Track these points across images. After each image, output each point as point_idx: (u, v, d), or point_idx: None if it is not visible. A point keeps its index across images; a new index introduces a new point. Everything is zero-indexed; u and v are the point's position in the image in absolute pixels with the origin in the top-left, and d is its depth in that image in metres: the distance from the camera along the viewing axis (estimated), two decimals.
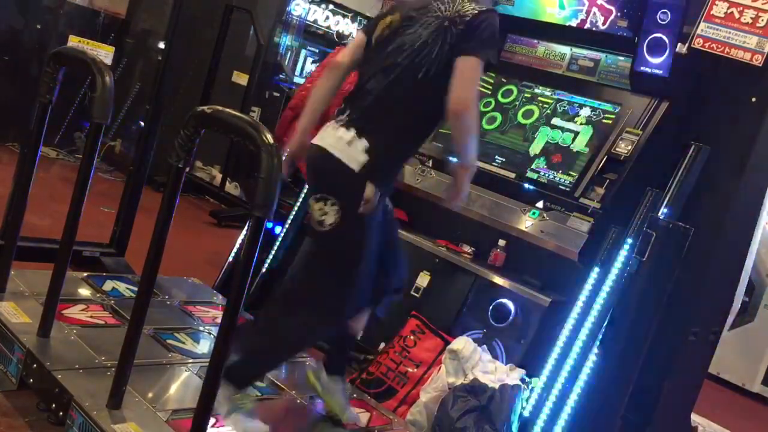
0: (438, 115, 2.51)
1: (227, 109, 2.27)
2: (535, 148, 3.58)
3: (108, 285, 3.43)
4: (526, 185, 3.46)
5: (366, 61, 2.66)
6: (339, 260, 2.53)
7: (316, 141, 2.55)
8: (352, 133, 2.46)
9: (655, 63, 3.23)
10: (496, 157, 3.64)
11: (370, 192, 2.44)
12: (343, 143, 2.46)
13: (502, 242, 3.46)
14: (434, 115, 2.52)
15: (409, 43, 2.51)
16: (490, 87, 3.90)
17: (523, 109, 3.75)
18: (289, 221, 3.96)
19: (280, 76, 7.78)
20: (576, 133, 3.53)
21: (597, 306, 2.94)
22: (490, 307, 3.31)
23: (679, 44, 3.19)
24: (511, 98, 3.82)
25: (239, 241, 4.04)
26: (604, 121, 3.49)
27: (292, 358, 2.96)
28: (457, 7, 2.48)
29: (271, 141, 2.10)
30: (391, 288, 2.80)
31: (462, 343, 3.07)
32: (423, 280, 3.52)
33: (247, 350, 2.49)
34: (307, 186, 2.76)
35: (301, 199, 3.96)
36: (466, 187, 2.61)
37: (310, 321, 2.55)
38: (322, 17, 8.39)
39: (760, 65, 3.00)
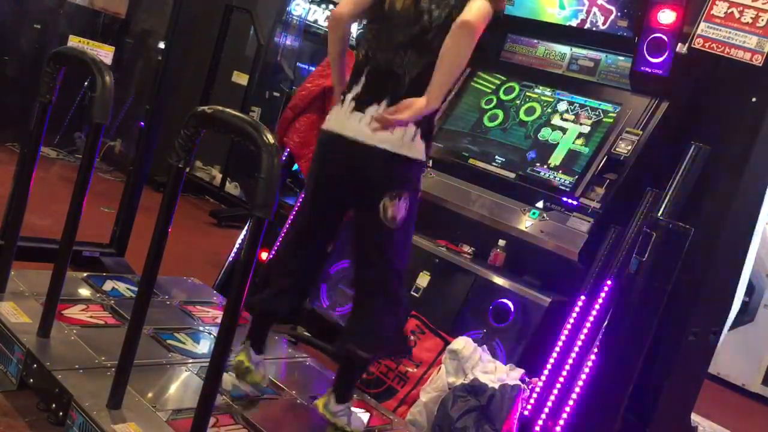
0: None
1: (227, 109, 2.27)
2: (535, 147, 3.58)
3: (108, 285, 3.43)
4: (526, 185, 3.46)
5: (377, 34, 2.60)
6: (407, 240, 2.66)
7: (366, 140, 2.47)
8: (412, 127, 2.46)
9: (655, 63, 3.23)
10: (496, 157, 3.64)
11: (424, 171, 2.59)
12: (408, 140, 2.47)
13: (502, 242, 3.46)
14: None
15: (426, 22, 2.50)
16: (492, 86, 3.90)
17: (524, 107, 3.75)
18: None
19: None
20: (576, 133, 3.53)
21: (597, 306, 2.95)
22: (490, 307, 3.31)
23: (679, 44, 3.19)
24: (513, 96, 3.82)
25: (239, 241, 4.04)
26: (604, 121, 3.49)
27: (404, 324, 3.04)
28: None
29: (272, 141, 2.10)
30: None
31: (462, 343, 3.07)
32: (423, 280, 3.52)
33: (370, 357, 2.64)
34: (325, 179, 2.67)
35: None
36: (407, 115, 2.42)
37: (402, 292, 2.68)
38: (322, 17, 8.38)
39: (760, 65, 2.99)
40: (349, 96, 2.58)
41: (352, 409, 2.76)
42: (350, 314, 2.78)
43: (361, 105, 2.53)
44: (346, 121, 2.53)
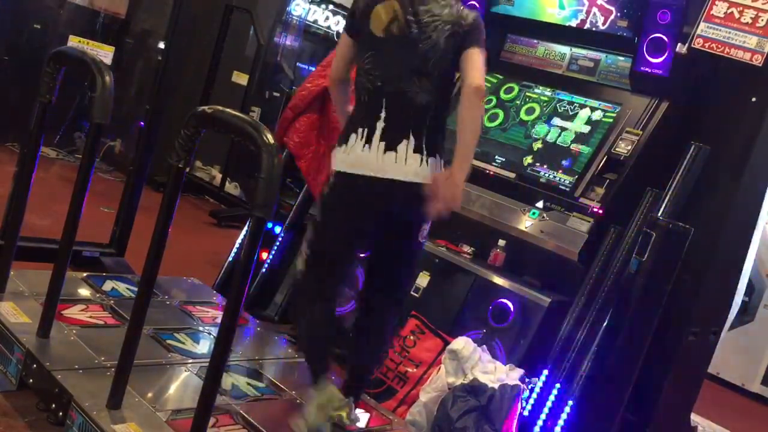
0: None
1: (227, 109, 2.27)
2: (536, 147, 3.58)
3: (108, 285, 3.43)
4: (526, 185, 3.46)
5: (379, 62, 2.60)
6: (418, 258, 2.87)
7: (408, 178, 2.55)
8: (438, 158, 2.61)
9: (655, 63, 3.23)
10: (496, 157, 3.64)
11: None
12: (424, 168, 2.57)
13: (502, 242, 3.46)
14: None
15: (430, 49, 2.57)
16: (492, 86, 3.90)
17: (524, 107, 3.75)
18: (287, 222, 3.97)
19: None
20: (576, 133, 3.53)
21: (597, 306, 2.94)
22: (490, 307, 3.31)
23: (679, 44, 3.19)
24: (513, 96, 3.82)
25: (239, 241, 4.04)
26: (604, 121, 3.49)
27: None
28: (456, 12, 2.59)
29: (272, 141, 2.10)
30: None
31: (462, 343, 3.06)
32: (423, 280, 3.52)
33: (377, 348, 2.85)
34: (396, 213, 2.70)
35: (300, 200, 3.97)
36: (454, 197, 2.55)
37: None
38: (322, 17, 8.38)
39: (760, 65, 3.00)
40: (376, 134, 2.56)
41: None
42: (362, 322, 2.82)
43: (392, 144, 2.55)
44: (381, 162, 2.55)
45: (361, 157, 2.56)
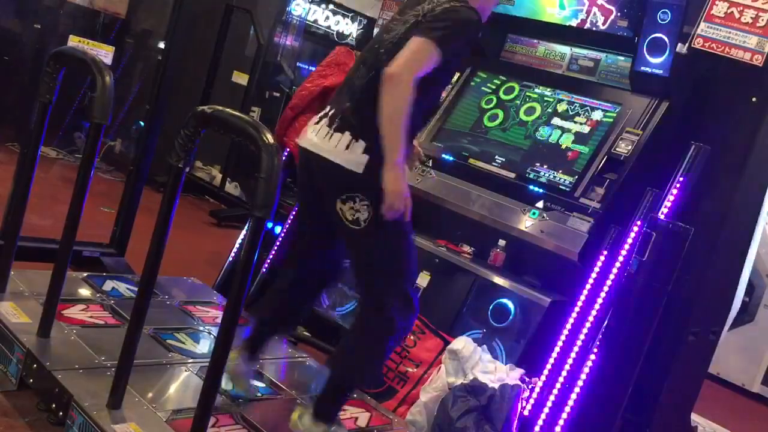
0: (421, 108, 2.50)
1: (227, 109, 2.27)
2: (536, 147, 3.58)
3: (108, 285, 3.43)
4: (526, 185, 3.46)
5: (357, 59, 2.70)
6: (389, 249, 2.54)
7: (308, 146, 2.54)
8: (347, 136, 2.45)
9: (655, 63, 3.23)
10: (496, 157, 3.64)
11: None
12: (341, 149, 2.45)
13: (502, 242, 3.46)
14: (418, 107, 2.45)
15: (388, 39, 2.53)
16: (492, 86, 3.90)
17: (524, 107, 3.75)
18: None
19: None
20: (576, 133, 3.53)
21: (597, 306, 2.94)
22: (490, 307, 3.31)
23: (679, 44, 3.19)
24: (513, 96, 3.82)
25: (239, 241, 4.04)
26: (604, 121, 3.49)
27: (388, 356, 2.86)
28: (435, 4, 2.48)
29: (272, 141, 2.10)
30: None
31: (462, 343, 3.07)
32: (423, 280, 3.52)
33: (350, 361, 2.61)
34: (301, 187, 2.70)
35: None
36: (396, 187, 2.38)
37: (397, 313, 2.56)
38: (322, 17, 8.39)
39: (760, 65, 3.00)
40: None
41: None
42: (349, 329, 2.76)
43: (320, 118, 2.59)
44: (306, 132, 2.62)
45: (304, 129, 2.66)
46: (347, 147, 2.44)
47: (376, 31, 2.64)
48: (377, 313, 2.54)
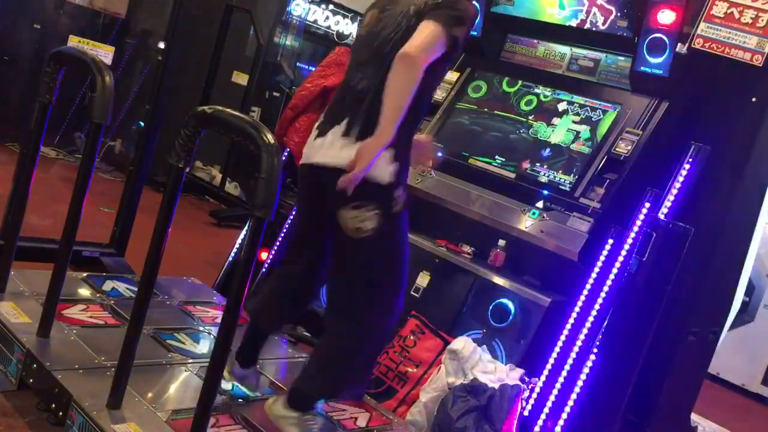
0: (421, 103, 2.46)
1: (227, 109, 2.27)
2: (536, 147, 3.58)
3: (108, 285, 3.43)
4: (526, 185, 3.46)
5: (351, 63, 2.63)
6: (387, 259, 2.51)
7: (329, 161, 2.42)
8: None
9: (655, 63, 3.23)
10: (496, 156, 3.64)
11: (399, 192, 2.45)
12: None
13: (502, 242, 3.46)
14: (417, 104, 2.42)
15: (388, 35, 2.46)
16: (492, 86, 3.90)
17: (524, 107, 3.75)
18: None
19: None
20: (576, 133, 3.53)
21: (597, 306, 2.94)
22: (490, 307, 3.31)
23: (679, 44, 3.19)
24: (513, 95, 3.82)
25: (239, 241, 4.04)
26: (604, 121, 3.49)
27: (373, 363, 2.82)
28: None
29: (272, 141, 2.10)
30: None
31: (462, 343, 3.07)
32: (423, 280, 3.52)
33: (321, 369, 2.52)
34: (306, 206, 2.65)
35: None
36: (363, 163, 2.29)
37: (377, 323, 2.54)
38: (322, 17, 8.38)
39: (760, 65, 2.99)
40: (316, 125, 2.59)
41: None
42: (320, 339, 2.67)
43: (323, 131, 2.50)
44: (311, 149, 2.53)
45: (306, 148, 2.58)
46: (343, 148, 2.40)
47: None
48: (356, 324, 2.51)
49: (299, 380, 2.56)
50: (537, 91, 3.78)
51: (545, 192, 3.39)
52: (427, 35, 2.32)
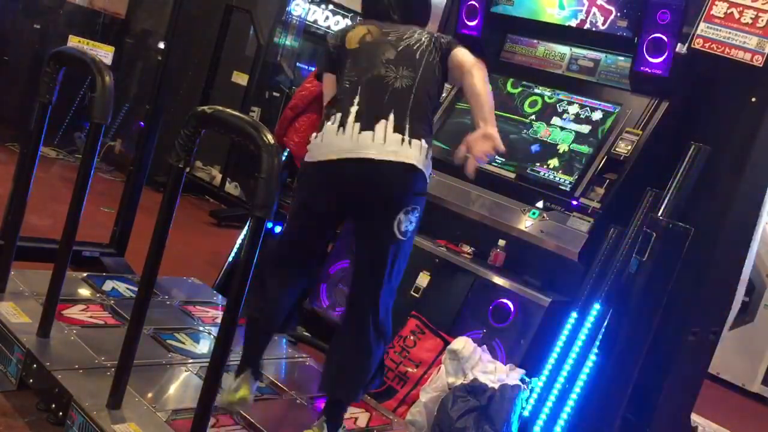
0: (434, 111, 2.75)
1: (227, 109, 2.27)
2: (536, 147, 3.59)
3: (108, 285, 3.43)
4: (526, 185, 3.46)
5: (356, 65, 2.62)
6: (405, 261, 2.60)
7: (391, 158, 2.43)
8: (424, 143, 2.50)
9: (655, 63, 3.23)
10: (496, 157, 3.63)
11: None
12: (422, 155, 2.48)
13: (502, 242, 3.46)
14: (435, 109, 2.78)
15: (416, 45, 2.63)
16: (492, 86, 3.89)
17: (524, 107, 3.75)
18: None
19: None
20: (576, 133, 3.53)
21: (597, 306, 2.95)
22: (490, 307, 3.31)
23: (679, 44, 3.19)
24: (513, 96, 3.82)
25: (239, 241, 4.04)
26: (604, 121, 3.49)
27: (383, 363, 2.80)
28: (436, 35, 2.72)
29: (272, 141, 2.10)
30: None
31: (462, 343, 3.06)
32: (423, 280, 3.52)
33: (351, 376, 2.57)
34: (319, 204, 2.60)
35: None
36: (496, 135, 2.58)
37: (388, 323, 2.61)
38: (322, 17, 8.39)
39: (760, 65, 3.00)
40: (349, 118, 2.48)
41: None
42: (337, 342, 2.66)
43: (368, 124, 2.46)
44: (356, 142, 2.45)
45: (334, 141, 2.47)
46: (402, 144, 2.45)
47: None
48: (379, 323, 2.55)
49: (335, 391, 2.59)
50: (537, 91, 3.78)
51: (545, 192, 3.39)
52: (468, 52, 2.71)
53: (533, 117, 3.70)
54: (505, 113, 3.77)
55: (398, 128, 2.46)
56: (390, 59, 2.58)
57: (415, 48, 2.63)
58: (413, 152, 2.46)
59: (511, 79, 3.88)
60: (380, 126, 2.45)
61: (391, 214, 2.45)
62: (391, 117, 2.47)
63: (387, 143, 2.43)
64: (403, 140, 2.45)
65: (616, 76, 3.60)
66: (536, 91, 3.78)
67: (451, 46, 2.68)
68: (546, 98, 3.73)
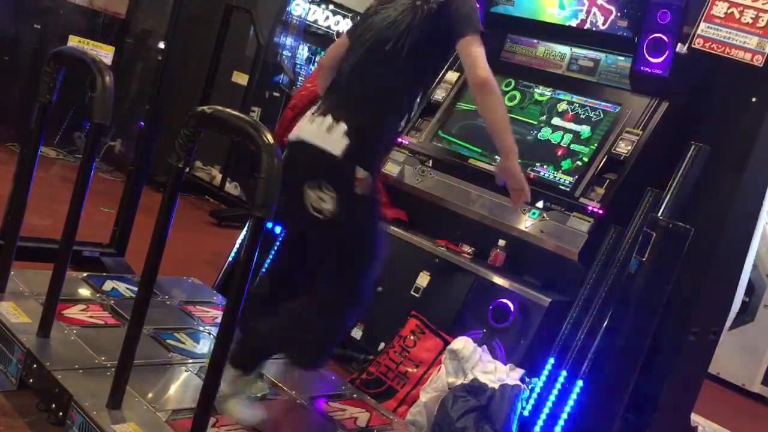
0: (410, 89, 2.58)
1: (227, 109, 2.27)
2: (536, 147, 3.59)
3: (108, 285, 3.43)
4: None
5: (348, 56, 2.68)
6: (351, 244, 2.53)
7: (294, 134, 2.57)
8: (329, 119, 2.47)
9: (655, 63, 3.23)
10: (496, 156, 3.63)
11: (361, 173, 2.44)
12: (322, 132, 2.47)
13: (502, 242, 3.46)
14: (406, 88, 2.56)
15: (377, 23, 2.57)
16: None
17: (524, 107, 3.75)
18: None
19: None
20: (576, 133, 3.53)
21: (597, 306, 2.94)
22: (490, 307, 3.31)
23: (679, 44, 3.19)
24: (512, 96, 3.82)
25: (239, 241, 4.04)
26: (604, 121, 3.49)
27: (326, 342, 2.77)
28: None
29: (272, 141, 2.10)
30: None
31: (462, 343, 3.07)
32: (423, 280, 3.52)
33: (263, 333, 2.56)
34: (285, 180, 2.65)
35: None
36: (520, 178, 2.62)
37: (337, 312, 2.58)
38: (322, 17, 8.38)
39: (761, 65, 3.00)
40: (318, 105, 2.63)
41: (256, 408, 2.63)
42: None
43: (323, 113, 2.55)
44: (302, 127, 2.58)
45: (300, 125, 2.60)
46: (328, 129, 2.45)
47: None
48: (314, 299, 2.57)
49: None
50: (537, 91, 3.78)
51: (545, 192, 3.39)
52: (476, 54, 2.45)
53: (533, 117, 3.69)
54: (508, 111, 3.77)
55: (336, 117, 2.49)
56: (350, 52, 2.64)
57: (394, 28, 2.53)
58: (308, 130, 2.51)
59: (512, 79, 3.88)
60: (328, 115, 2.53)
61: (303, 192, 2.48)
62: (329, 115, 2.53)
63: (318, 127, 2.51)
64: (330, 126, 2.47)
65: (616, 76, 3.60)
66: (536, 91, 3.78)
67: (449, 33, 2.48)
68: (546, 98, 3.73)
